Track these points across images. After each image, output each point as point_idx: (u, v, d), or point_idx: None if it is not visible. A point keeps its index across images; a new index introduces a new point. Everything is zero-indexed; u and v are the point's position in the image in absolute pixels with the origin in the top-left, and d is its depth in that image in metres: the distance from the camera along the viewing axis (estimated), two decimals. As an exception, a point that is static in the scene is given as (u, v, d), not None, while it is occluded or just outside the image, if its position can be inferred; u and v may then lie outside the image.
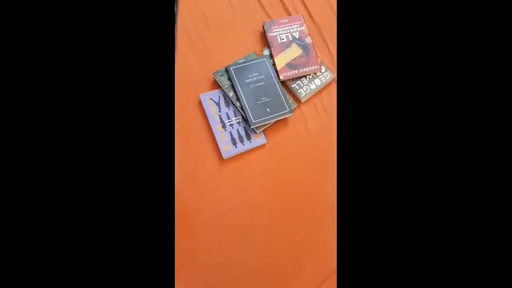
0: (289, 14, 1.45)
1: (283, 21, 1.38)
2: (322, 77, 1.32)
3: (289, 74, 1.31)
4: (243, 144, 1.20)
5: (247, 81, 1.25)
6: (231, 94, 1.26)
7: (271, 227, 1.08)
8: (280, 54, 1.33)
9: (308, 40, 1.38)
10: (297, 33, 1.38)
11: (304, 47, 1.37)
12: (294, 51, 1.36)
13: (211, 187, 1.12)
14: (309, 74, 1.34)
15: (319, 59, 1.36)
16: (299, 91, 1.31)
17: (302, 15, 1.43)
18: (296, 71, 1.32)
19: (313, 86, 1.30)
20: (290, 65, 1.33)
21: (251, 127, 1.20)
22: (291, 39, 1.38)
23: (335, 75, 1.33)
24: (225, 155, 1.16)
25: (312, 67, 1.35)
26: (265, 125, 1.23)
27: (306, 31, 1.40)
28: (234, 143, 1.18)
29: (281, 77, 1.29)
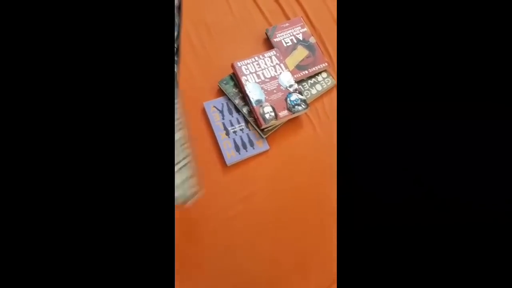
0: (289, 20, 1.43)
1: (284, 25, 1.38)
2: (323, 83, 1.30)
3: (299, 75, 1.30)
4: (247, 151, 1.19)
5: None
6: (237, 101, 1.24)
7: (275, 233, 1.06)
8: (288, 58, 1.32)
9: (312, 40, 1.37)
10: (300, 35, 1.37)
11: (310, 47, 1.36)
12: (301, 53, 1.35)
13: (215, 194, 1.10)
14: (318, 74, 1.32)
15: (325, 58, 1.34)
16: (299, 96, 1.28)
17: (301, 17, 1.41)
18: (306, 72, 1.31)
19: (314, 91, 1.28)
20: (299, 67, 1.32)
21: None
22: (295, 41, 1.36)
23: (336, 81, 1.31)
24: (228, 162, 1.16)
25: (321, 65, 1.33)
26: (273, 128, 1.21)
27: (309, 32, 1.37)
28: (238, 149, 1.17)
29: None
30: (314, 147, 1.20)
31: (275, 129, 1.22)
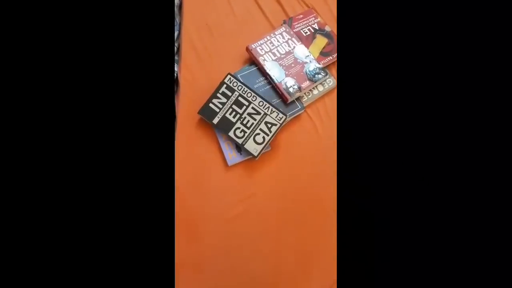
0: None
1: (299, 17, 1.28)
2: (325, 83, 1.22)
3: (326, 60, 1.23)
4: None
5: (256, 86, 1.16)
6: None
7: (275, 234, 1.03)
8: (310, 46, 1.25)
9: (328, 28, 1.29)
10: (315, 24, 1.28)
11: (328, 35, 1.27)
12: (321, 41, 1.25)
13: (216, 194, 1.05)
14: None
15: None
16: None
17: (312, 9, 1.31)
18: (331, 57, 1.24)
19: (315, 92, 1.20)
20: (323, 53, 1.24)
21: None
22: (312, 31, 1.26)
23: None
24: (230, 162, 1.08)
25: (342, 51, 1.23)
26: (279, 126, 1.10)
27: (322, 21, 1.28)
28: (239, 150, 1.09)
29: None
30: (316, 147, 1.14)
31: (280, 128, 1.10)
